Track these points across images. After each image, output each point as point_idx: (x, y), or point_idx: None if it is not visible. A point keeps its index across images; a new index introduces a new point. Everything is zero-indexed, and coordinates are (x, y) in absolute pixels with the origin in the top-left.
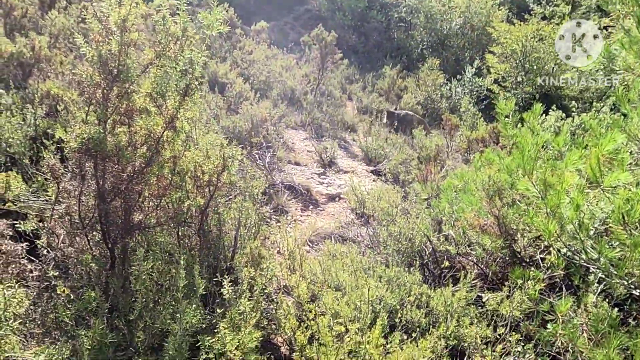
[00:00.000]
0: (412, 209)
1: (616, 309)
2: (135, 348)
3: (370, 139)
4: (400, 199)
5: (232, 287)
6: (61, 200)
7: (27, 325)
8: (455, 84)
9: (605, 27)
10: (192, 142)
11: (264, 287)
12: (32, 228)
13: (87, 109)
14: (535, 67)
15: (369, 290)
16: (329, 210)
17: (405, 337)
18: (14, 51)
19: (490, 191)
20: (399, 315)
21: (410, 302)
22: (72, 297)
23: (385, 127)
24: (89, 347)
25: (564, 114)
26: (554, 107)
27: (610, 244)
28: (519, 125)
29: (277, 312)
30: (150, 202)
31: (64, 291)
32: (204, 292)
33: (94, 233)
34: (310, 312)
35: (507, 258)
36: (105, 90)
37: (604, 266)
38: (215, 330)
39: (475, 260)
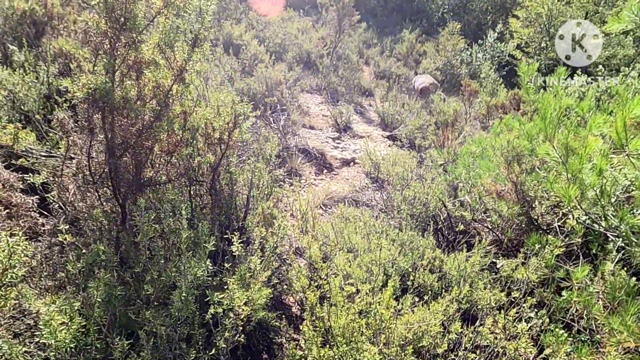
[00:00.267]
0: (428, 174)
1: (634, 278)
2: (144, 301)
3: (387, 104)
4: (416, 164)
5: (244, 247)
6: (72, 156)
7: (40, 279)
8: (476, 49)
9: None
10: (203, 100)
11: (275, 246)
12: (41, 181)
13: (94, 59)
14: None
15: (380, 250)
16: (343, 174)
17: (417, 300)
18: (27, 9)
19: (509, 157)
20: (411, 278)
21: (423, 266)
22: (82, 251)
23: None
24: (99, 300)
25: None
26: (578, 71)
27: (632, 211)
28: (542, 91)
29: (288, 273)
30: (161, 159)
31: (65, 239)
32: (215, 250)
33: (105, 189)
34: (322, 270)
35: (524, 225)
36: (112, 40)
37: (624, 233)
38: (225, 287)
39: (490, 227)
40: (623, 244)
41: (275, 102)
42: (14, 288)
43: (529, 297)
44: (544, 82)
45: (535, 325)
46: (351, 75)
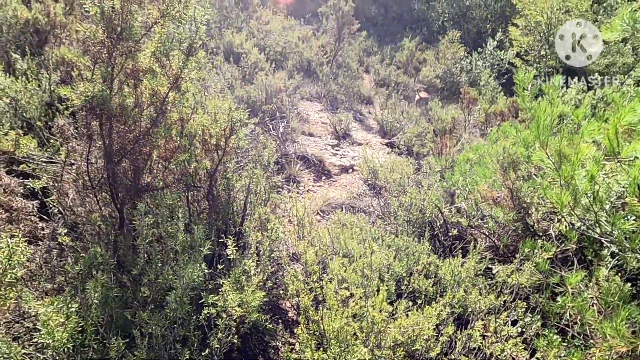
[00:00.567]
0: (425, 180)
1: (629, 284)
2: (140, 303)
3: (386, 111)
4: (414, 171)
5: (241, 251)
6: (72, 162)
7: (40, 282)
8: (476, 57)
9: None
10: (201, 107)
11: (270, 250)
12: (41, 186)
13: (92, 67)
14: None
15: (372, 253)
16: (341, 181)
17: (411, 304)
18: (30, 17)
19: (504, 163)
20: (406, 283)
21: (418, 271)
22: (81, 254)
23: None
24: (96, 301)
25: (585, 87)
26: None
27: (625, 217)
28: (538, 98)
29: (284, 277)
30: (159, 165)
31: (65, 242)
32: (211, 254)
33: (103, 194)
34: (315, 273)
35: (520, 231)
36: (109, 49)
37: (617, 239)
38: (220, 290)
39: (487, 233)
40: (617, 250)
41: (274, 109)
42: (14, 288)
43: (519, 301)
44: (541, 90)
45: (527, 329)
46: (351, 83)
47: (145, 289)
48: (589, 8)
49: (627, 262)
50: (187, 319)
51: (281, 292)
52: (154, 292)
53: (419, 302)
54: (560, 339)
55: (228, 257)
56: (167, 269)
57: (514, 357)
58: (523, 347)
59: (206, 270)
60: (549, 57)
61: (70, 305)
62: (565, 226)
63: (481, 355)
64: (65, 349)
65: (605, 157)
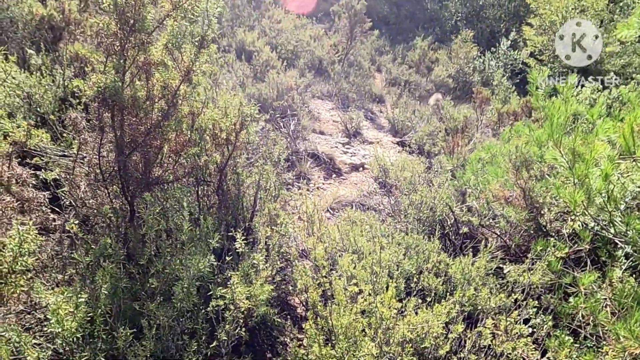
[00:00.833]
0: (436, 179)
1: None
2: (148, 294)
3: (397, 110)
4: (424, 169)
5: (250, 246)
6: (84, 155)
7: (51, 273)
8: (489, 57)
9: None
10: (212, 102)
11: (279, 244)
12: (53, 178)
13: (105, 59)
14: None
15: (381, 249)
16: (351, 179)
17: (420, 302)
18: (45, 14)
19: (517, 162)
20: (415, 281)
21: (428, 269)
22: (91, 246)
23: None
24: (105, 292)
25: (601, 86)
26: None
27: None
28: (553, 97)
29: (293, 274)
30: (169, 158)
31: (76, 234)
32: (220, 248)
33: (114, 186)
34: (324, 269)
35: (532, 231)
36: (122, 41)
37: (632, 240)
38: (229, 284)
39: (498, 232)
40: (631, 251)
41: (285, 107)
42: (24, 276)
43: (531, 300)
44: (555, 89)
45: (539, 329)
46: (362, 82)
47: (154, 280)
48: (605, 7)
49: None
50: (196, 312)
51: (290, 288)
52: (162, 283)
53: (429, 300)
54: (572, 340)
55: (237, 250)
56: (174, 260)
57: (525, 357)
58: (534, 347)
59: (215, 263)
60: None
61: (79, 295)
62: (579, 225)
63: (491, 354)
64: (74, 339)
65: (620, 156)
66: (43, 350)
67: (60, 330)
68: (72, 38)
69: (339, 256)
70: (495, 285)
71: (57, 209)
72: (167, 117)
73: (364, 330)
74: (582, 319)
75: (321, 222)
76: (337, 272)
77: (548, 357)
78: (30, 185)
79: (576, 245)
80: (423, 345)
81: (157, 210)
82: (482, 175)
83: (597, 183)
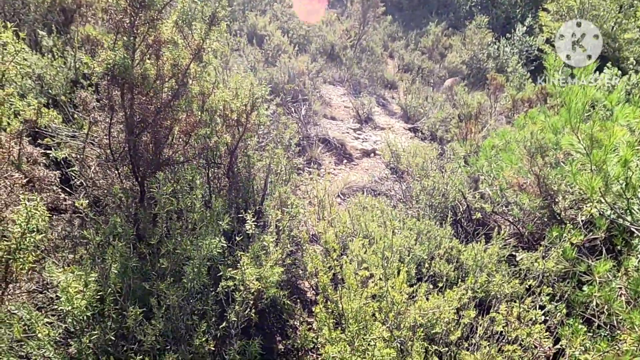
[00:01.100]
0: (448, 165)
1: None
2: (159, 274)
3: (410, 96)
4: (437, 156)
5: (260, 230)
6: (94, 136)
7: (62, 253)
8: (504, 43)
9: None
10: (223, 83)
11: (289, 227)
12: (63, 157)
13: (114, 36)
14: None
15: (393, 232)
16: (363, 165)
17: (432, 287)
18: None
19: (532, 149)
20: (427, 266)
21: (440, 255)
22: (101, 226)
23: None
24: (115, 271)
25: (619, 72)
26: (609, 64)
27: None
28: (569, 83)
29: (304, 257)
30: (179, 139)
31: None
32: (231, 230)
33: (124, 167)
34: (335, 251)
35: (546, 219)
36: (132, 17)
37: None
38: (239, 265)
39: (511, 220)
40: None
41: (296, 91)
42: (32, 253)
43: (545, 287)
44: (572, 75)
45: (552, 317)
46: (375, 68)
47: (164, 260)
48: None
49: None
50: (206, 293)
51: (300, 272)
52: (172, 264)
53: (440, 285)
54: (585, 329)
55: (247, 232)
56: (185, 240)
57: (537, 344)
58: (547, 334)
59: (225, 245)
60: None
61: (89, 274)
62: (596, 212)
63: (504, 340)
64: (84, 317)
65: None
66: (54, 328)
67: (70, 308)
68: (83, 20)
69: (350, 241)
70: (508, 273)
71: (68, 190)
72: (177, 97)
73: (374, 314)
74: (596, 308)
75: (332, 207)
76: (347, 256)
77: (561, 345)
78: (42, 164)
79: (591, 233)
80: (434, 331)
81: (168, 191)
82: (496, 162)
83: (616, 169)
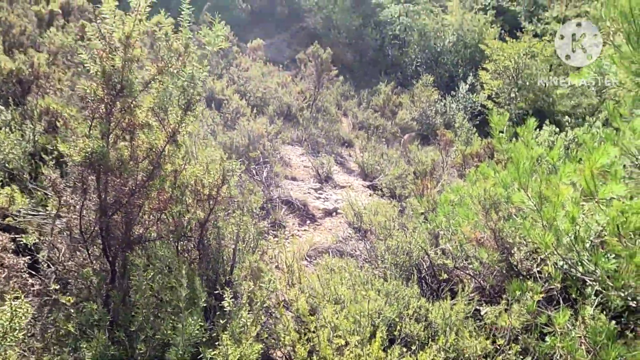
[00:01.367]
0: (409, 223)
1: (614, 321)
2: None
3: (366, 154)
4: (397, 213)
5: (233, 301)
6: (62, 214)
7: (27, 340)
8: (450, 100)
9: None
10: (192, 156)
11: (263, 300)
12: (33, 242)
13: (90, 123)
14: (527, 84)
15: (369, 302)
16: (326, 224)
17: (404, 350)
18: (13, 68)
19: (486, 204)
20: (398, 328)
21: (409, 316)
22: (72, 311)
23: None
24: None
25: (557, 129)
26: (547, 122)
27: (606, 255)
28: (513, 140)
29: (276, 327)
30: (151, 216)
31: (68, 300)
32: (204, 305)
33: (95, 247)
34: (312, 323)
35: (504, 271)
36: (108, 105)
37: (600, 278)
38: (217, 343)
39: (472, 274)
40: (600, 288)
41: (258, 155)
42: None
43: (513, 344)
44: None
45: None
46: (331, 127)
47: (142, 346)
48: (553, 53)
49: (611, 300)
50: None
51: (272, 341)
52: (151, 349)
53: (413, 347)
54: None
55: (222, 307)
56: (165, 325)
57: None
58: None
59: (203, 324)
60: (518, 99)
61: None
62: (551, 267)
63: None
64: None
65: (583, 198)
66: None
67: None
68: (41, 91)
69: (323, 307)
70: (475, 329)
71: (33, 272)
72: (152, 177)
73: None
74: (560, 359)
75: (301, 272)
76: (319, 322)
77: None
78: (10, 250)
79: (547, 284)
80: None
81: (148, 275)
82: (454, 218)
83: (565, 225)
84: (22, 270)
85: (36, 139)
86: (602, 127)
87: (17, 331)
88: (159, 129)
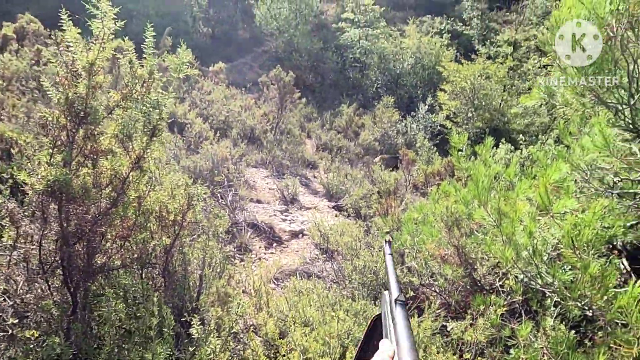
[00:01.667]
0: (375, 242)
1: (573, 331)
2: None
3: (330, 175)
4: (363, 233)
5: (200, 328)
6: (18, 245)
7: None
8: (410, 121)
9: (544, 66)
10: (156, 182)
11: (231, 326)
12: None
13: (51, 150)
14: (483, 103)
15: (338, 323)
16: (293, 246)
17: None
18: None
19: (448, 222)
20: None
21: None
22: (32, 346)
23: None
24: None
25: (512, 147)
26: (503, 140)
27: (562, 267)
28: (472, 158)
29: (245, 352)
30: (114, 244)
31: (32, 334)
32: (173, 333)
33: (54, 278)
34: (282, 346)
35: (468, 287)
36: (71, 132)
37: (558, 289)
38: None
39: (438, 290)
40: (559, 299)
41: (222, 178)
42: None
43: (479, 358)
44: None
45: None
46: (295, 149)
47: None
48: (506, 74)
49: (569, 311)
50: None
51: None
52: None
53: None
54: None
55: (189, 334)
56: (132, 355)
57: None
58: None
59: (170, 352)
60: (475, 119)
61: None
62: (512, 280)
63: None
64: None
65: (539, 213)
66: None
67: None
68: None
69: (293, 330)
70: (442, 345)
71: None
72: (115, 204)
73: None
74: None
75: (268, 296)
76: (288, 345)
77: None
78: None
79: (509, 297)
80: None
81: (117, 306)
82: (418, 236)
83: (523, 239)
84: None
85: None
86: (554, 144)
87: None
88: (123, 156)
